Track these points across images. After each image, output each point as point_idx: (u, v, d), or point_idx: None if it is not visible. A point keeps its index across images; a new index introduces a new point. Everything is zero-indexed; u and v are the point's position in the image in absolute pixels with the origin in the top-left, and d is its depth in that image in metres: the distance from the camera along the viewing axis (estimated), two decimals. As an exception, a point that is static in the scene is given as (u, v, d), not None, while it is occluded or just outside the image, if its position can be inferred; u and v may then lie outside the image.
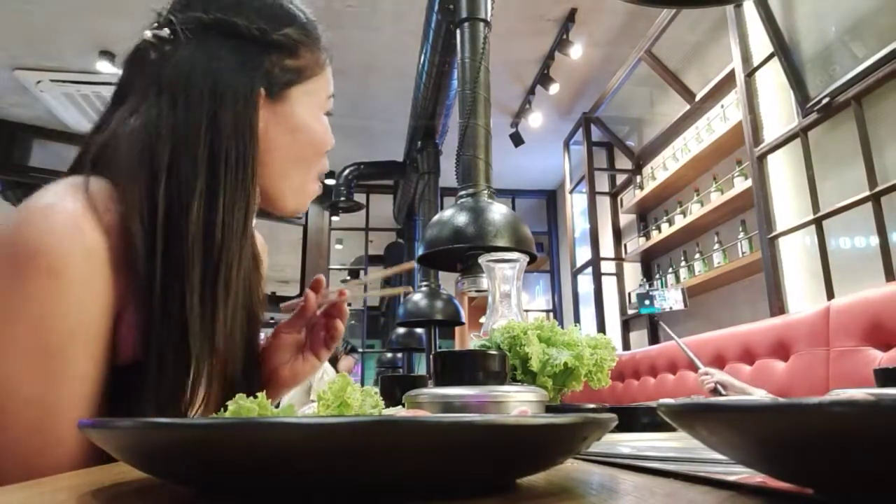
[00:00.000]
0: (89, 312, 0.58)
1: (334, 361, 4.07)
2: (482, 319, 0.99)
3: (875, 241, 2.20)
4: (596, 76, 4.37)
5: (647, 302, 3.18)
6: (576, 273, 4.86)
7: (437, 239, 1.42)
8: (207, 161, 0.63)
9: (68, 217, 0.57)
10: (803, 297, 2.57)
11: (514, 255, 0.96)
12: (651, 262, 4.30)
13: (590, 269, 4.55)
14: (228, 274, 0.64)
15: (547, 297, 6.57)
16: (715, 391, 1.81)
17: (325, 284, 0.85)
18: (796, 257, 2.65)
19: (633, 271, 4.51)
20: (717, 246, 3.38)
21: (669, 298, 3.21)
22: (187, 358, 0.60)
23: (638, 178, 4.40)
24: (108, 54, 3.96)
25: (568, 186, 4.93)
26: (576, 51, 3.85)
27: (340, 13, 3.72)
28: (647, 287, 3.46)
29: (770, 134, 2.78)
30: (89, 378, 0.58)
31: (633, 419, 0.73)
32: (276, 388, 0.82)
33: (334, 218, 6.38)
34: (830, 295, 2.36)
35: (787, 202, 2.70)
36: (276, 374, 0.82)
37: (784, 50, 2.56)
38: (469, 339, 0.98)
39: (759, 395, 1.65)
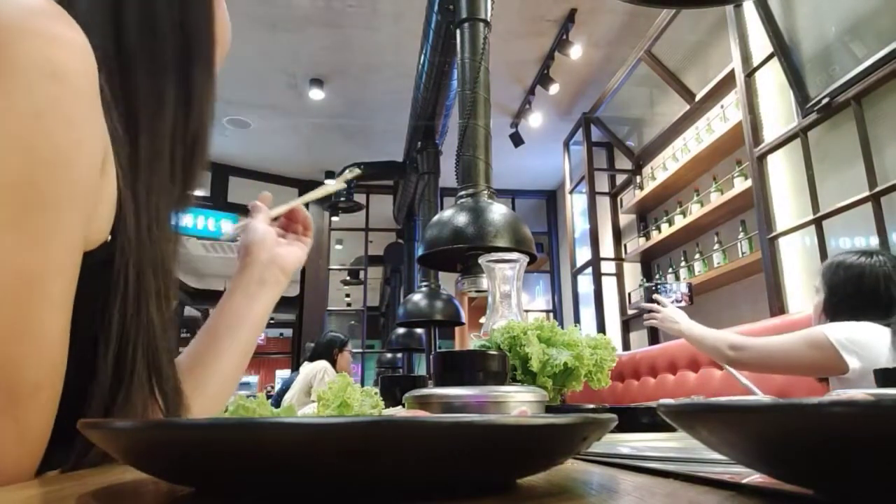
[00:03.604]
0: (92, 144, 0.42)
1: (333, 361, 4.07)
2: (482, 319, 0.99)
3: (875, 241, 2.20)
4: (596, 76, 4.37)
5: (654, 294, 3.17)
6: (576, 273, 4.86)
7: (437, 239, 1.42)
8: None
9: (58, 13, 0.41)
10: (803, 297, 2.57)
11: (514, 255, 0.97)
12: (651, 263, 4.30)
13: (590, 270, 4.55)
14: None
15: (547, 298, 6.57)
16: None
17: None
18: (796, 257, 2.65)
19: (633, 271, 4.51)
20: (717, 246, 3.38)
21: (677, 291, 3.21)
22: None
23: (638, 179, 4.40)
24: None
25: (568, 187, 4.93)
26: (576, 51, 3.85)
27: (340, 13, 3.72)
28: (654, 280, 3.42)
29: (770, 134, 2.78)
30: (77, 244, 0.41)
31: (633, 419, 0.73)
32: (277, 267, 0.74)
33: (334, 218, 6.38)
34: (830, 295, 2.35)
35: (787, 202, 2.70)
36: (278, 253, 0.75)
37: (784, 50, 2.56)
38: (469, 340, 0.98)
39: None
